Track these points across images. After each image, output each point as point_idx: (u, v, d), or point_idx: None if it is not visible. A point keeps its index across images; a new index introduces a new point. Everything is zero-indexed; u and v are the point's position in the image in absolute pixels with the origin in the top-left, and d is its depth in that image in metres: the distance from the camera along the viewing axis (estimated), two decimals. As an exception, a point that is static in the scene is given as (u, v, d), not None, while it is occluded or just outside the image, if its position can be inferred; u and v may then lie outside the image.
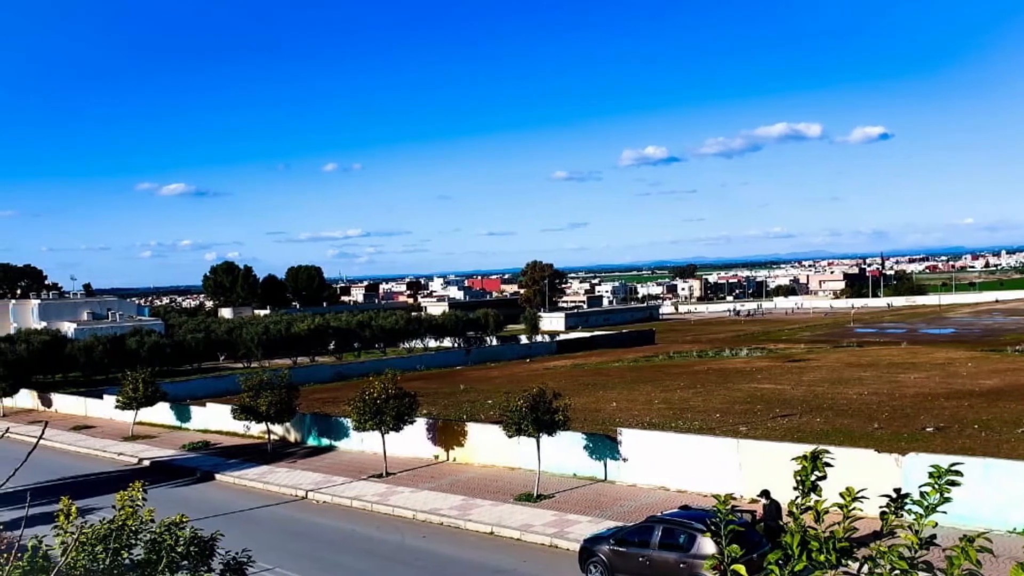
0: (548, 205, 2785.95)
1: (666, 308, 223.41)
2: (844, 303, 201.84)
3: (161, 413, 62.77)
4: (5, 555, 10.09)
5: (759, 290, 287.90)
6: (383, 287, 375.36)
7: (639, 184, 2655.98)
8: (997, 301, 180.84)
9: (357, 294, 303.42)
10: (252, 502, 39.24)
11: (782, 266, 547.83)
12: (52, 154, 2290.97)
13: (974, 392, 55.26)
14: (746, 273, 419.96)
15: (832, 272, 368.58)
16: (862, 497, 5.93)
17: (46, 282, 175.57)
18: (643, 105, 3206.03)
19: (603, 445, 38.43)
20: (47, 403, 77.70)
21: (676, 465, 36.06)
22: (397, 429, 41.44)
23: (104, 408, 67.53)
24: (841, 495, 5.96)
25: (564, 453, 38.81)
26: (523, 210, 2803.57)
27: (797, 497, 6.12)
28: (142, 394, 56.39)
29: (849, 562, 5.85)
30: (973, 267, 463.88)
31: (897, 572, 5.54)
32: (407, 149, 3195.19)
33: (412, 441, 45.24)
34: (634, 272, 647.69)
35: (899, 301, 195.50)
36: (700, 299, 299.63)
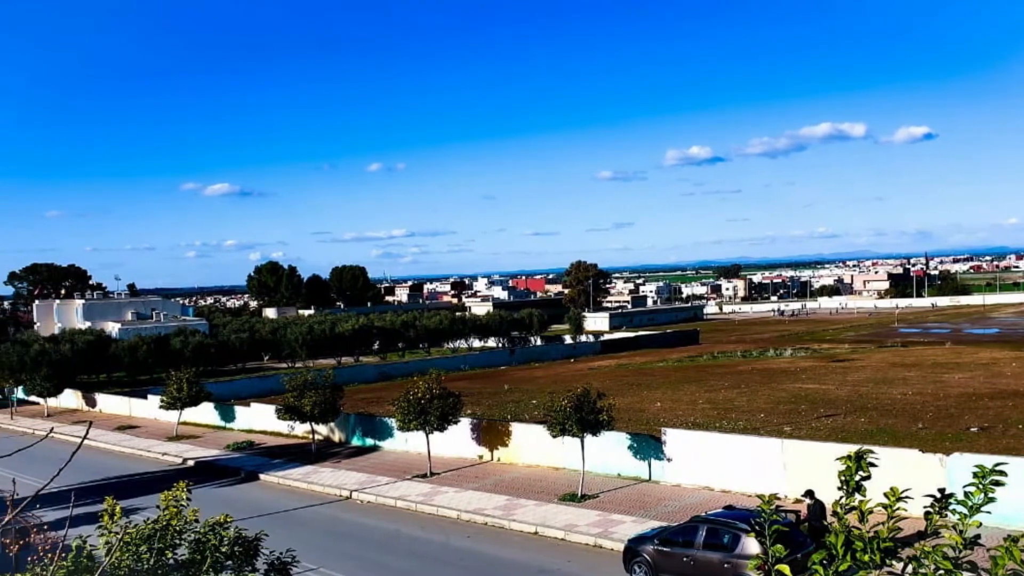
0: (592, 205, 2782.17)
1: (710, 308, 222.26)
2: (888, 303, 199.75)
3: (205, 413, 63.32)
4: (49, 555, 10.20)
5: (803, 290, 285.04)
6: (427, 287, 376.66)
7: (683, 184, 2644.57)
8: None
9: (401, 294, 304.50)
10: (296, 502, 39.49)
11: (826, 266, 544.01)
12: (97, 154, 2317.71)
13: (1018, 392, 54.48)
14: (790, 273, 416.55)
15: (876, 272, 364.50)
16: (906, 497, 5.89)
17: (90, 282, 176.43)
18: (687, 105, 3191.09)
19: (647, 445, 38.30)
20: (91, 403, 78.60)
21: (720, 465, 35.89)
22: (441, 429, 41.49)
23: (148, 408, 68.24)
24: (885, 495, 5.92)
25: (608, 453, 38.75)
26: (567, 210, 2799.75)
27: (841, 497, 6.08)
28: (186, 394, 56.87)
29: (893, 562, 5.81)
30: (1018, 267, 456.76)
31: (941, 572, 5.50)
32: (451, 149, 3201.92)
33: (456, 441, 45.33)
34: (678, 272, 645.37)
35: (943, 301, 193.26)
36: (744, 299, 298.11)
